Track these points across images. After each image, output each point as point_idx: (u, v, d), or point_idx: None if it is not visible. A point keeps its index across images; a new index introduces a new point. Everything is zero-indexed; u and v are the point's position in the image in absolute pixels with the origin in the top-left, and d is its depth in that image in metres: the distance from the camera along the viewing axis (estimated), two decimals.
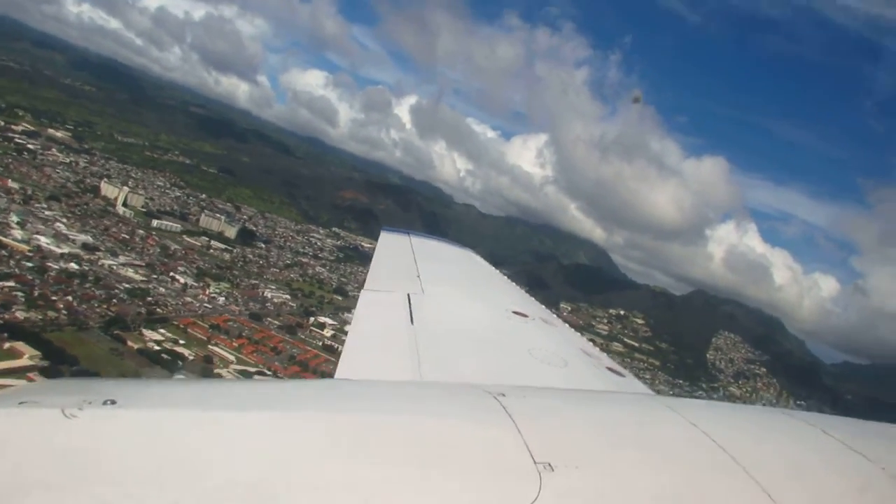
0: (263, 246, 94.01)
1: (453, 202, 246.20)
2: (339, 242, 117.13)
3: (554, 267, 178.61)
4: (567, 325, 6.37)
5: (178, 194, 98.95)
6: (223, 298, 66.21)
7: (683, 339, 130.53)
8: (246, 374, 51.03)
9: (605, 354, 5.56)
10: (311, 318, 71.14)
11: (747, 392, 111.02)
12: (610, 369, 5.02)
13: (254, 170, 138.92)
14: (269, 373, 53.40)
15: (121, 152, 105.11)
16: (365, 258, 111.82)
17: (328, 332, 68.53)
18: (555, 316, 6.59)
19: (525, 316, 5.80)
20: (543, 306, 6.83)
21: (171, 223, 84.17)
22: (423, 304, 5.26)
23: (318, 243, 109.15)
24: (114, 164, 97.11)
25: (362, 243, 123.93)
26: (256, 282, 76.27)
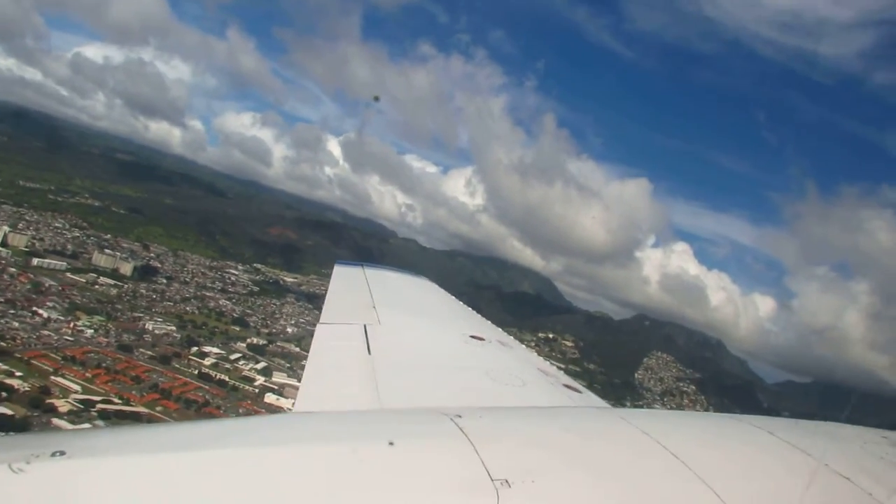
0: (165, 281, 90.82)
1: (392, 237, 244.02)
2: (257, 277, 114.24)
3: (491, 296, 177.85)
4: (524, 347, 6.44)
5: (77, 234, 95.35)
6: (91, 331, 62.92)
7: (614, 360, 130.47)
8: (89, 403, 48.39)
9: (561, 372, 5.58)
10: (194, 348, 68.27)
11: (671, 408, 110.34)
12: (567, 386, 5.03)
13: (173, 210, 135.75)
14: (118, 401, 50.62)
15: (18, 197, 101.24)
16: (283, 291, 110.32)
17: (209, 361, 66.00)
18: (511, 338, 6.60)
19: (482, 339, 5.86)
20: (500, 329, 6.89)
21: (55, 261, 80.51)
22: (380, 333, 5.31)
23: (233, 278, 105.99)
24: (7, 207, 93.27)
25: (284, 278, 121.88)
26: (140, 315, 73.16)
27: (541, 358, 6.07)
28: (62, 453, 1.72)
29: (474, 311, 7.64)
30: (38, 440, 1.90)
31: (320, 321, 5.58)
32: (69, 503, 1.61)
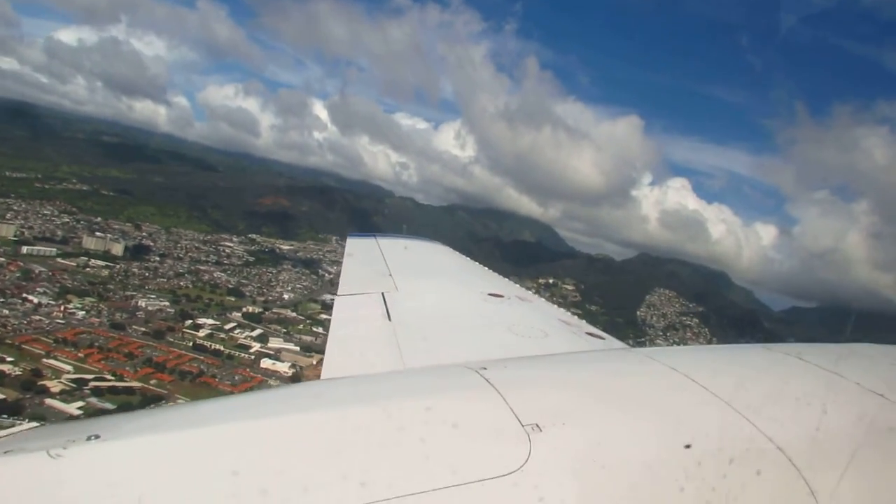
0: (158, 259, 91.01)
1: (389, 197, 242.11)
2: (253, 248, 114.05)
3: (489, 247, 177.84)
4: (543, 300, 6.41)
5: (66, 220, 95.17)
6: (83, 313, 63.49)
7: (616, 300, 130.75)
8: (82, 382, 49.01)
9: (583, 321, 5.56)
10: (188, 321, 68.75)
11: (675, 343, 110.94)
12: (590, 334, 5.02)
13: (163, 189, 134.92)
14: (111, 378, 51.24)
15: (4, 187, 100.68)
16: (280, 259, 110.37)
17: (203, 333, 66.59)
18: (530, 293, 6.62)
19: (501, 296, 5.85)
20: (518, 285, 6.95)
21: (45, 248, 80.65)
22: (398, 299, 5.35)
23: (227, 251, 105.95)
24: None
25: (280, 246, 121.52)
26: (133, 293, 73.48)
27: (562, 309, 6.04)
28: (97, 437, 1.76)
29: (490, 270, 7.71)
30: (73, 427, 1.92)
31: (338, 293, 5.69)
32: (106, 484, 1.63)
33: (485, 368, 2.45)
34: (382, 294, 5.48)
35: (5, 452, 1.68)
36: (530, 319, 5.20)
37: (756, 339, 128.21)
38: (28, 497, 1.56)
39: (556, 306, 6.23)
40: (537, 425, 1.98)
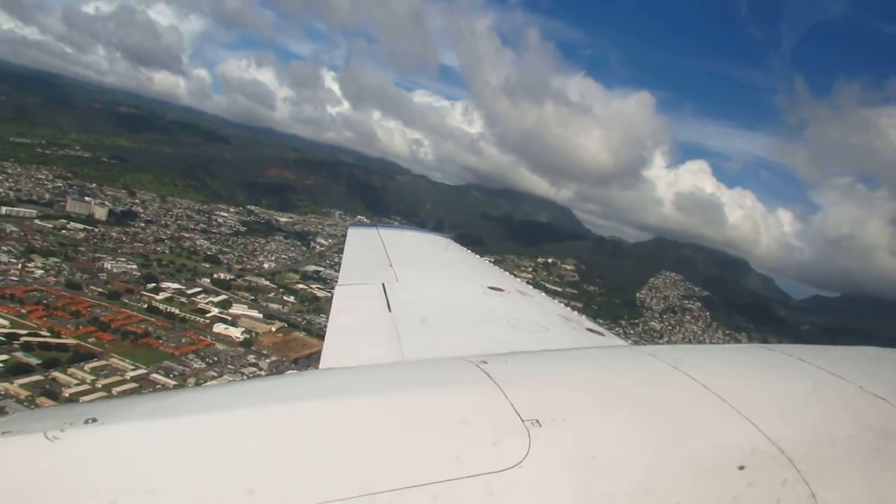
0: (143, 225, 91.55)
1: (401, 174, 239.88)
2: (248, 218, 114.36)
3: (495, 226, 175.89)
4: (544, 295, 6.41)
5: (59, 184, 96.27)
6: (42, 272, 63.75)
7: (617, 281, 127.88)
8: (13, 336, 49.05)
9: (583, 317, 5.56)
10: (151, 284, 68.78)
11: (670, 325, 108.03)
12: (590, 330, 5.07)
13: (166, 157, 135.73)
14: (46, 334, 51.25)
15: (4, 152, 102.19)
16: (273, 231, 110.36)
17: (163, 296, 66.44)
18: (531, 287, 6.64)
19: (501, 290, 5.89)
20: (520, 280, 6.97)
21: (26, 210, 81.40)
22: (399, 291, 5.35)
23: (220, 220, 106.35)
24: None
25: (277, 218, 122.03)
26: (102, 256, 73.79)
27: (562, 304, 6.04)
28: (94, 420, 1.78)
29: (492, 265, 7.84)
30: (71, 410, 1.95)
31: (338, 283, 5.69)
32: (102, 468, 1.66)
33: (485, 362, 2.45)
34: (383, 284, 5.47)
35: (3, 433, 1.70)
36: (530, 313, 5.24)
37: (767, 327, 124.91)
38: (23, 478, 1.58)
39: (556, 301, 6.21)
40: (537, 421, 1.99)
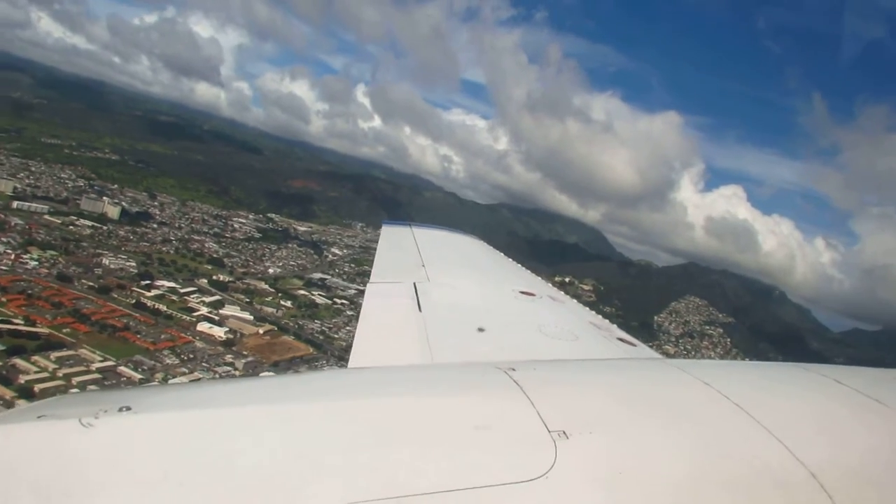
0: (155, 226, 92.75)
1: (429, 190, 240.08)
2: (266, 226, 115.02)
3: (521, 243, 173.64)
4: (575, 301, 6.44)
5: (80, 184, 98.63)
6: (35, 263, 64.59)
7: (638, 304, 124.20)
8: None
9: (614, 326, 5.54)
10: (146, 282, 69.05)
11: (685, 350, 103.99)
12: (621, 339, 5.03)
13: (194, 164, 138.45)
14: (19, 322, 51.42)
15: (33, 151, 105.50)
16: (289, 238, 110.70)
17: (153, 293, 66.57)
18: (562, 293, 6.64)
19: (532, 295, 5.84)
20: (550, 285, 6.99)
21: (39, 205, 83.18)
22: (430, 291, 5.36)
23: (236, 226, 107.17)
24: (16, 160, 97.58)
25: (296, 226, 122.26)
26: (103, 252, 74.64)
27: (593, 312, 5.98)
28: (128, 408, 1.83)
29: (524, 268, 7.65)
30: (106, 397, 1.99)
31: (370, 280, 5.71)
32: (135, 455, 1.70)
33: (513, 369, 2.44)
34: (414, 284, 5.46)
35: (39, 417, 1.76)
36: (561, 320, 5.13)
37: (792, 357, 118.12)
38: (57, 462, 1.62)
39: (587, 308, 6.18)
40: (564, 432, 1.97)
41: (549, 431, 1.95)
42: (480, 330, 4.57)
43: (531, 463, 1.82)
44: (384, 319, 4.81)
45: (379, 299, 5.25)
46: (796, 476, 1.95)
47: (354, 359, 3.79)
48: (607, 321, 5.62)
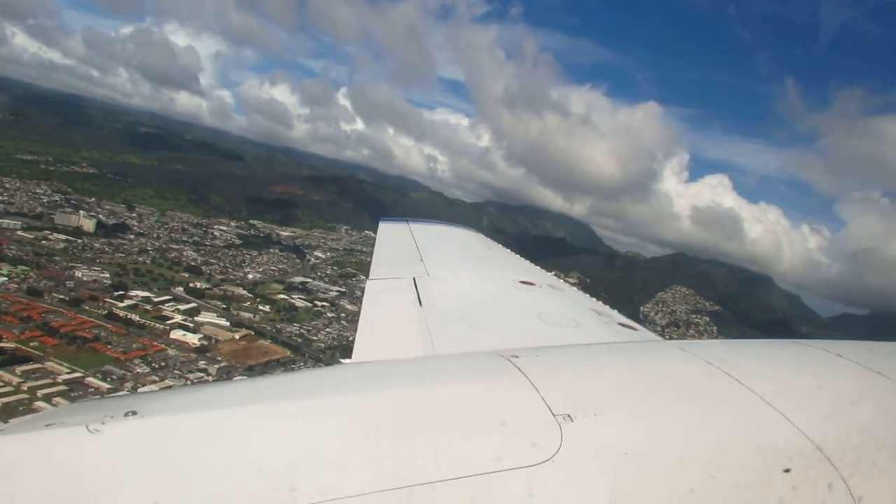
0: (132, 237, 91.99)
1: (414, 191, 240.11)
2: (248, 232, 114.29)
3: (507, 239, 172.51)
4: (575, 289, 6.52)
5: (56, 199, 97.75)
6: (4, 279, 63.93)
7: (623, 295, 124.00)
8: None
9: (615, 311, 5.61)
10: (119, 292, 68.40)
11: (670, 339, 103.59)
12: (622, 324, 5.11)
13: (172, 174, 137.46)
14: None
15: (8, 168, 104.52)
16: (270, 243, 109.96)
17: (126, 304, 65.92)
18: (562, 281, 6.73)
19: (532, 284, 5.91)
20: (551, 273, 7.08)
21: (10, 221, 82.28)
22: (430, 285, 5.41)
23: (216, 234, 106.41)
24: None
25: (278, 231, 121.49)
26: (76, 265, 73.97)
27: (594, 299, 6.02)
28: (134, 413, 1.83)
29: (523, 258, 7.75)
30: (112, 403, 2.02)
31: (370, 277, 5.80)
32: (142, 459, 1.70)
33: (516, 356, 2.45)
34: (414, 279, 5.52)
35: (47, 426, 1.77)
36: (562, 308, 5.16)
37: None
38: (66, 470, 1.63)
39: (587, 295, 6.23)
40: (569, 415, 1.98)
41: (554, 415, 1.96)
42: (482, 321, 4.63)
43: (537, 447, 1.83)
44: (385, 315, 4.85)
45: (379, 295, 5.31)
46: (802, 449, 1.96)
47: (357, 353, 3.82)
48: (608, 307, 5.69)
